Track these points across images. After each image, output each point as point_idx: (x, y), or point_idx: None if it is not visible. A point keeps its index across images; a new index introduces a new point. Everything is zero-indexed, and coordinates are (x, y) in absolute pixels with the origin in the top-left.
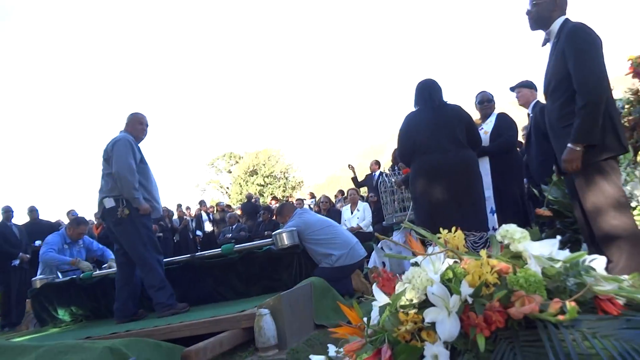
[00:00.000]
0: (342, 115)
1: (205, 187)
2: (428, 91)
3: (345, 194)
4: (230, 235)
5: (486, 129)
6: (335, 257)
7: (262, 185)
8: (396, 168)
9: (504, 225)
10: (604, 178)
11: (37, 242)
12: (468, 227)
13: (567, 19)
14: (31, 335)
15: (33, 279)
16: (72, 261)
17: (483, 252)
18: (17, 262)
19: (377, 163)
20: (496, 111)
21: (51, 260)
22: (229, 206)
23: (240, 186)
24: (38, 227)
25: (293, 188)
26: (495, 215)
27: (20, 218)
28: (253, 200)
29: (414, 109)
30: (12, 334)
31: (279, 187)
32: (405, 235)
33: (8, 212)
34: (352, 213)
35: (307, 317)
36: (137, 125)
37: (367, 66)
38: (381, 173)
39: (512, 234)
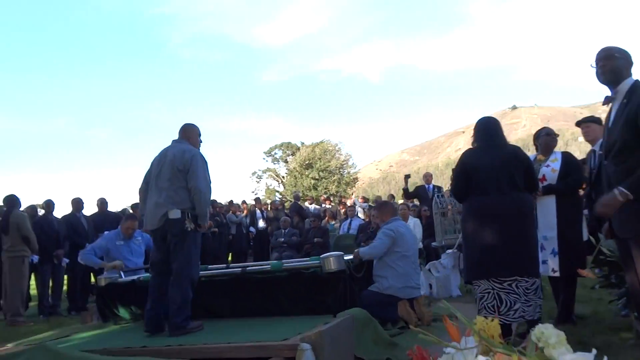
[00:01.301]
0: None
1: (261, 174)
2: (490, 130)
3: (396, 199)
4: (282, 239)
5: (553, 166)
6: (388, 284)
7: (317, 179)
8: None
9: (540, 326)
10: None
11: (105, 233)
12: (520, 273)
13: (637, 81)
14: (95, 331)
15: (99, 276)
16: (103, 264)
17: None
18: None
19: (430, 175)
20: (556, 149)
21: (86, 262)
22: (282, 204)
23: (295, 178)
24: (105, 218)
25: (347, 184)
26: (557, 256)
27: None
28: (300, 201)
29: (472, 147)
30: (78, 325)
31: (333, 182)
32: (455, 259)
33: (78, 203)
34: None
35: (348, 350)
36: (197, 138)
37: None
38: (436, 191)
39: (548, 337)
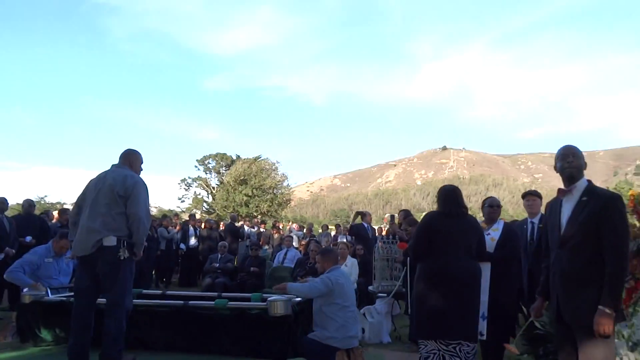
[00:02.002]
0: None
1: (191, 182)
2: (453, 198)
3: (331, 229)
4: (217, 264)
5: (493, 235)
6: (329, 334)
7: (250, 196)
8: (391, 237)
9: None
10: (607, 342)
11: (28, 238)
12: (466, 337)
13: (590, 182)
14: (13, 353)
15: (22, 292)
16: (32, 284)
17: None
18: (1, 256)
19: (367, 215)
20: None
21: (14, 281)
22: (217, 223)
23: (228, 192)
24: (29, 222)
25: (279, 204)
26: (485, 321)
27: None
28: (237, 223)
29: (434, 210)
30: None
31: (266, 201)
32: (389, 306)
33: (2, 203)
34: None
35: None
36: (139, 166)
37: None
38: (378, 238)
39: None
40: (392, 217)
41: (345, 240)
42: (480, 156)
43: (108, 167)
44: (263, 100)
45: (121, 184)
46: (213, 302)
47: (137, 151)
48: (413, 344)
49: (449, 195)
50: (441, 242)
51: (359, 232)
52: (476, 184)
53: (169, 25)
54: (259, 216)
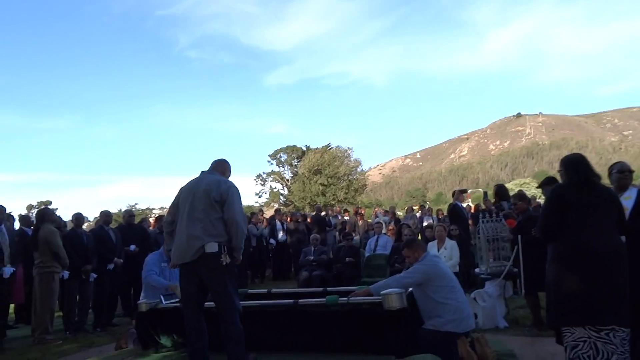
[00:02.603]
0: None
1: (265, 177)
2: (584, 166)
3: (415, 210)
4: (312, 257)
5: (625, 204)
6: (443, 320)
7: (325, 185)
8: (494, 215)
9: None
10: None
11: (132, 247)
12: (619, 321)
13: None
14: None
15: (139, 301)
16: (169, 286)
17: None
18: (111, 266)
19: (464, 191)
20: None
21: (153, 283)
22: (304, 217)
23: (304, 184)
24: (132, 232)
25: (356, 190)
26: None
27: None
28: (323, 214)
29: (561, 182)
30: (119, 353)
31: (342, 188)
32: (500, 288)
33: (107, 216)
34: (438, 251)
35: None
36: (229, 174)
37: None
38: (482, 215)
39: None
40: (485, 193)
41: (431, 221)
42: (559, 119)
43: (196, 174)
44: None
45: (216, 189)
46: (324, 299)
47: (227, 160)
48: (534, 328)
49: (579, 163)
50: (578, 217)
51: (458, 212)
52: (558, 149)
53: (229, 27)
54: (336, 204)
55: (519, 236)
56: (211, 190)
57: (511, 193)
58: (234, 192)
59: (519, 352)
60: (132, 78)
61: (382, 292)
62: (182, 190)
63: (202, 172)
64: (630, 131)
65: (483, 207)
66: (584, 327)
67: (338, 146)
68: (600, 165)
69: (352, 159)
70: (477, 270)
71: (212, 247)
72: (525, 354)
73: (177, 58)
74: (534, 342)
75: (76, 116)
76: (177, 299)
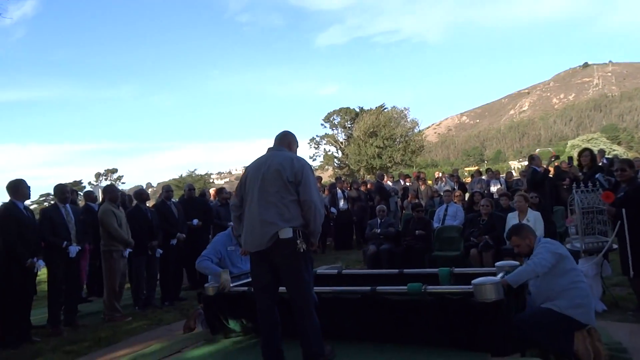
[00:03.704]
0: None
1: (319, 141)
2: None
3: (482, 174)
4: (378, 230)
5: None
6: (569, 304)
7: (381, 148)
8: (590, 185)
9: None
10: None
11: (195, 221)
12: None
13: None
14: (207, 349)
15: (206, 285)
16: (220, 272)
17: None
18: (175, 241)
19: (536, 158)
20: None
21: (203, 270)
22: (364, 183)
23: (359, 147)
24: (193, 205)
25: (413, 152)
26: None
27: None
28: (385, 180)
29: None
30: (187, 336)
31: (398, 150)
32: (597, 267)
33: (168, 191)
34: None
35: None
36: (296, 147)
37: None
38: (576, 185)
39: None
40: (570, 158)
41: (499, 185)
42: (632, 67)
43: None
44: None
45: (289, 168)
46: (405, 287)
47: (291, 132)
48: (639, 313)
49: None
50: None
51: (538, 179)
52: (630, 100)
53: None
54: (393, 166)
55: (624, 209)
56: (284, 170)
57: (577, 150)
58: (308, 171)
59: (628, 345)
60: (185, 46)
61: (474, 282)
62: (249, 170)
63: (269, 149)
64: None
65: (565, 170)
66: None
67: (394, 107)
68: None
69: (408, 120)
70: (568, 246)
71: (287, 232)
72: (635, 346)
73: (228, 23)
74: None
75: (134, 85)
76: (245, 282)
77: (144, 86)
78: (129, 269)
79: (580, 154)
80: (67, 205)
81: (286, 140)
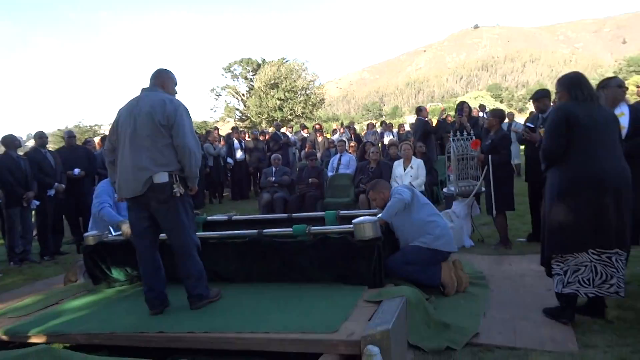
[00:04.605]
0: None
1: (220, 92)
2: (586, 85)
3: (376, 126)
4: (273, 178)
5: (622, 122)
6: (432, 237)
7: (282, 100)
8: (463, 132)
9: None
10: None
11: (76, 171)
12: (623, 245)
13: None
14: (89, 298)
15: (85, 234)
16: (121, 222)
17: None
18: (52, 192)
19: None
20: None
21: (106, 218)
22: (263, 133)
23: (260, 98)
24: (74, 154)
25: (314, 105)
26: None
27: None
28: (283, 130)
29: (566, 101)
30: (67, 288)
31: (299, 103)
32: (468, 208)
33: (42, 137)
34: (404, 170)
35: (403, 339)
36: (174, 87)
37: None
38: (452, 134)
39: None
40: (462, 105)
41: (392, 137)
42: (515, 31)
43: (138, 92)
44: None
45: (161, 111)
46: (290, 229)
47: (169, 70)
48: (501, 246)
49: (581, 81)
50: (585, 138)
51: (426, 129)
52: (512, 61)
53: None
54: (294, 119)
55: (490, 156)
56: (155, 112)
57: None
58: (182, 113)
59: (487, 273)
60: None
61: (354, 221)
62: (121, 113)
63: (143, 90)
64: (581, 43)
65: (450, 121)
66: (586, 252)
67: (295, 60)
68: (551, 78)
69: (309, 73)
70: (445, 190)
71: (161, 177)
72: (494, 274)
73: None
74: (501, 261)
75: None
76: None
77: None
78: (1, 222)
79: (459, 105)
80: None
81: (160, 80)
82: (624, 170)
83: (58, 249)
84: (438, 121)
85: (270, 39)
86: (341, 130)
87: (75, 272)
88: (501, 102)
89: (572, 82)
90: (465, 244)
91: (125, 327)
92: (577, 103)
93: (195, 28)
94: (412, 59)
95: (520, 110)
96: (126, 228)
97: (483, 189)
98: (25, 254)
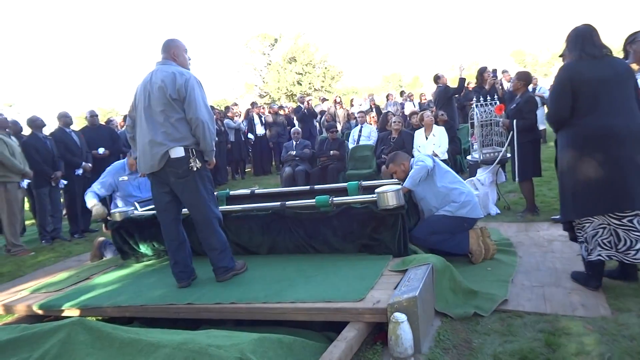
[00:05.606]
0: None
1: (239, 68)
2: (594, 38)
3: (394, 97)
4: (294, 152)
5: None
6: (457, 205)
7: (301, 74)
8: (487, 99)
9: None
10: None
11: (101, 150)
12: None
13: None
14: (119, 273)
15: (112, 211)
16: (93, 207)
17: None
18: (80, 171)
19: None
20: None
21: (86, 200)
22: (281, 107)
23: (278, 73)
24: (98, 133)
25: (332, 78)
26: None
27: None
28: (305, 105)
29: (570, 59)
30: (96, 264)
31: (318, 76)
32: (493, 175)
33: (66, 117)
34: (426, 138)
35: (431, 306)
36: (185, 56)
37: None
38: (476, 99)
39: None
40: (483, 69)
41: (413, 107)
42: None
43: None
44: None
45: (171, 84)
46: (313, 201)
47: (175, 39)
48: (527, 213)
49: (587, 35)
50: (594, 95)
51: (446, 94)
52: None
53: None
54: (313, 92)
55: (515, 120)
56: (166, 87)
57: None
58: (193, 85)
59: (514, 240)
60: None
61: (377, 190)
62: (138, 89)
63: (157, 64)
64: None
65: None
66: (604, 215)
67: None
68: None
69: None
70: (469, 157)
71: (178, 152)
72: (522, 241)
73: None
74: (528, 228)
75: None
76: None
77: None
78: (32, 202)
79: (480, 71)
80: None
81: (170, 51)
82: (635, 123)
83: (87, 226)
84: (459, 79)
85: (287, 14)
86: (364, 100)
87: (98, 248)
88: (525, 67)
89: (577, 37)
90: (491, 211)
91: (155, 300)
92: (583, 60)
93: (213, 4)
94: None
95: (545, 75)
96: (95, 210)
97: (508, 155)
98: (56, 232)
